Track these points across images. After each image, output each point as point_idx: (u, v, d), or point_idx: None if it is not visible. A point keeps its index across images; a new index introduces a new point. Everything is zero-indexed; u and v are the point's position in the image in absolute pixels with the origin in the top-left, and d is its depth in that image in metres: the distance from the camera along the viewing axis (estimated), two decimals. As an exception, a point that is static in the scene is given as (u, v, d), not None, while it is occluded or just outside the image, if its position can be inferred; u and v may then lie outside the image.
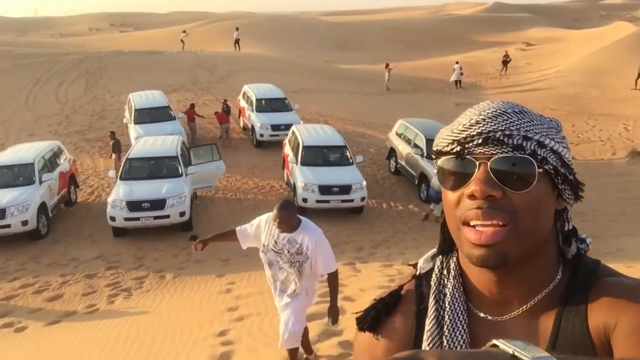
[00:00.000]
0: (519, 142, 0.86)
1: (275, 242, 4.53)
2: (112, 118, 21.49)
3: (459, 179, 0.88)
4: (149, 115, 17.70)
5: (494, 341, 0.67)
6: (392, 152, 16.35)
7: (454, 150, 0.89)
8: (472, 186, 0.85)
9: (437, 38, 53.93)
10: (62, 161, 13.71)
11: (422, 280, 1.03)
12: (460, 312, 0.94)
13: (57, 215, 12.65)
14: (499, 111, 0.89)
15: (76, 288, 9.39)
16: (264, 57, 36.82)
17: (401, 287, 1.04)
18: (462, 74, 31.37)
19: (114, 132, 16.21)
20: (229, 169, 15.73)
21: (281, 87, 22.23)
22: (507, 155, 0.85)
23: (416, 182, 14.38)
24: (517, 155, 0.85)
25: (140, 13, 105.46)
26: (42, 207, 11.80)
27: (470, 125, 0.88)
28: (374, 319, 0.99)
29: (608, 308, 0.86)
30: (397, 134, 16.21)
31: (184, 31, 42.44)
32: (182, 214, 11.44)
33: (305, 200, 12.42)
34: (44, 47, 42.13)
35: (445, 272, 1.00)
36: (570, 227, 0.97)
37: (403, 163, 15.39)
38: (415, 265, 1.07)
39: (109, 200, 11.46)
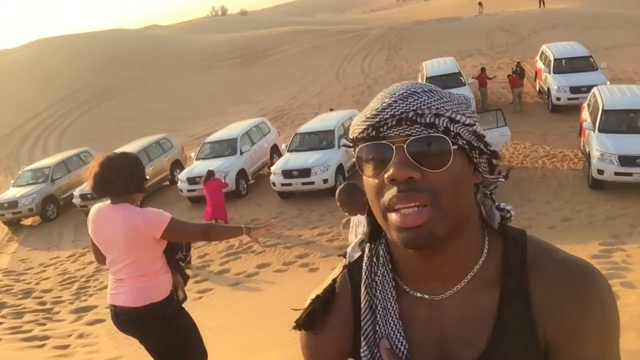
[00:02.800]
0: (431, 120, 0.85)
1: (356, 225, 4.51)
2: (408, 86, 22.64)
3: (377, 165, 0.87)
4: (439, 83, 18.04)
5: None
6: None
7: (370, 135, 0.87)
8: (391, 170, 0.84)
9: None
10: (358, 127, 15.26)
11: (354, 269, 1.02)
12: (390, 299, 0.94)
13: (351, 176, 14.21)
14: (409, 91, 0.88)
15: (361, 241, 10.51)
16: (573, 12, 33.15)
17: (334, 280, 1.03)
18: None
19: (333, 109, 17.12)
20: (518, 135, 15.00)
21: (590, 45, 19.84)
22: (421, 136, 0.85)
23: None
24: (431, 135, 0.85)
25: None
26: (340, 168, 13.46)
27: (382, 109, 0.87)
28: (308, 318, 1.00)
29: (558, 318, 0.88)
30: None
31: (479, -8, 41.35)
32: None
33: (601, 172, 11.01)
34: (355, 23, 46.56)
35: (374, 259, 0.99)
36: (491, 203, 0.98)
37: None
38: (345, 255, 1.06)
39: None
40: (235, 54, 36.60)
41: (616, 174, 10.91)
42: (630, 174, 10.81)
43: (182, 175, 14.75)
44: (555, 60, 17.65)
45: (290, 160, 13.56)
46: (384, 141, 0.86)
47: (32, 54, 41.58)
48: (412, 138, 0.85)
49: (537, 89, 19.48)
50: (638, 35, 26.28)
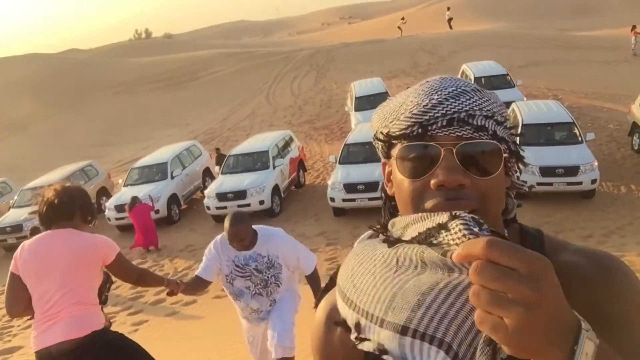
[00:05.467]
0: (482, 122, 0.81)
1: (238, 267, 3.64)
2: (337, 107, 23.00)
3: (420, 166, 0.81)
4: (368, 102, 18.45)
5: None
6: (636, 127, 14.14)
7: (415, 133, 0.82)
8: (440, 176, 0.78)
9: None
10: (292, 148, 15.28)
11: None
12: None
13: (288, 196, 14.18)
14: (459, 90, 0.83)
15: (300, 261, 10.44)
16: (487, 33, 35.13)
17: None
18: None
19: (219, 149, 17.20)
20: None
21: (506, 63, 21.00)
22: (474, 141, 0.80)
23: (666, 162, 12.24)
24: (483, 141, 0.81)
25: (367, 3, 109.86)
26: (276, 189, 13.37)
27: (432, 106, 0.81)
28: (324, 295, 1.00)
29: (579, 300, 0.78)
30: (641, 106, 13.99)
31: (402, 18, 42.95)
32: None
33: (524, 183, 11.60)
34: (282, 45, 46.98)
35: None
36: (514, 202, 0.95)
37: (649, 140, 13.25)
38: None
39: (329, 182, 12.41)
40: (162, 77, 35.81)
41: (538, 184, 11.52)
42: (550, 184, 11.46)
43: (110, 204, 14.12)
44: (475, 78, 18.53)
45: (224, 182, 13.32)
46: (432, 143, 0.80)
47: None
48: (464, 142, 0.79)
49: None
50: (548, 54, 28.22)
